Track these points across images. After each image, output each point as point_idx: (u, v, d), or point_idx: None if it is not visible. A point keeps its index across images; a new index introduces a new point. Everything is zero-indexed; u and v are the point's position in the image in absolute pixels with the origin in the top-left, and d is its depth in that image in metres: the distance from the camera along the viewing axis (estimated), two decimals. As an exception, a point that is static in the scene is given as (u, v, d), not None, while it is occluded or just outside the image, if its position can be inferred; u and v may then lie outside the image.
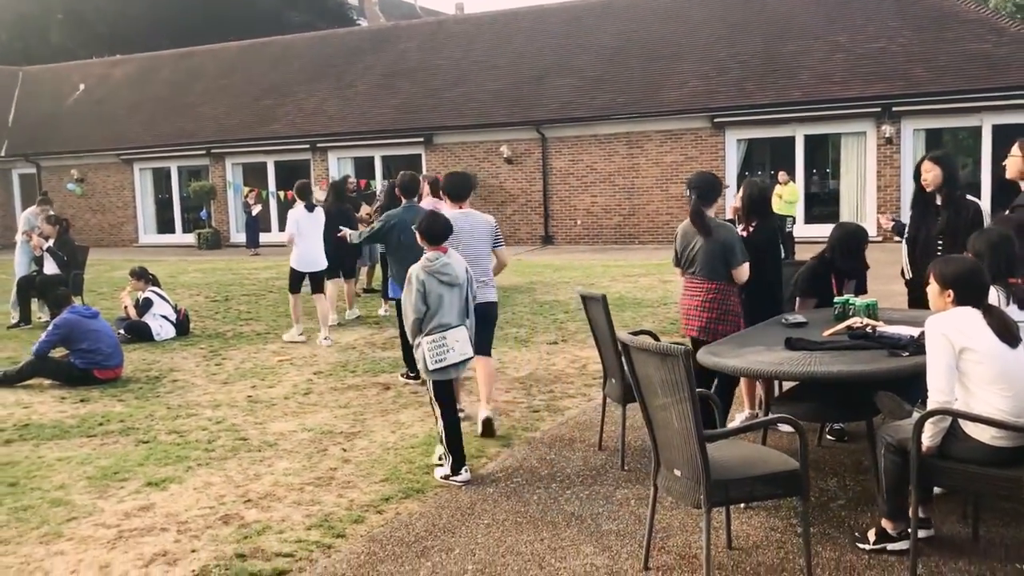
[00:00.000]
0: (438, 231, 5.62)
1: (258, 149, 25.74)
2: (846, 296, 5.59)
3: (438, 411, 5.58)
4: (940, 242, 5.87)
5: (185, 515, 5.14)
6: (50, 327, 8.77)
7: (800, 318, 5.48)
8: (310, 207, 10.41)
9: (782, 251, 6.44)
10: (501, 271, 6.97)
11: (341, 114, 25.05)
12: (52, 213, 13.27)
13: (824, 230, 17.39)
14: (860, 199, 19.73)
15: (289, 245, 10.32)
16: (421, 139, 23.53)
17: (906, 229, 6.30)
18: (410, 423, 6.88)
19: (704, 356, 4.72)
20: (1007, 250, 4.52)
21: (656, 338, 6.24)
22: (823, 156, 21.34)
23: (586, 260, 18.08)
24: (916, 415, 4.19)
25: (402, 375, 8.29)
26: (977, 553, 4.20)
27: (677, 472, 3.95)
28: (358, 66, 26.90)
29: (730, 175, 20.49)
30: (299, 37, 31.27)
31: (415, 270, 5.55)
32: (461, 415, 6.15)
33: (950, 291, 3.95)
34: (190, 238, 26.55)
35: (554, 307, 12.16)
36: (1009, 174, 5.81)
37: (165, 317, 11.02)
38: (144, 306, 10.93)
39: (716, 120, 20.45)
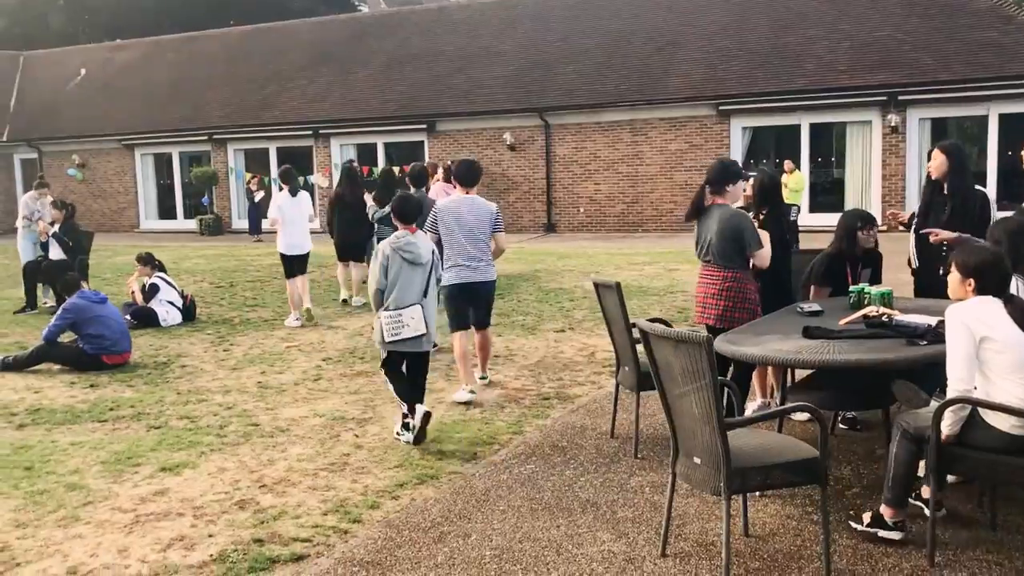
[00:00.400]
0: (407, 211, 6.13)
1: (260, 135, 25.68)
2: (861, 285, 5.60)
3: (387, 379, 6.18)
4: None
5: (200, 500, 5.15)
6: (59, 312, 8.78)
7: (815, 306, 5.48)
8: (294, 192, 10.67)
9: None
10: (499, 256, 7.39)
11: (344, 100, 24.98)
12: (54, 198, 13.25)
13: (828, 219, 17.48)
14: (865, 188, 19.70)
15: (274, 227, 10.70)
16: (424, 126, 23.48)
17: (914, 219, 6.32)
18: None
19: (722, 344, 4.71)
20: (1026, 239, 4.52)
21: (668, 326, 6.27)
22: (828, 145, 21.30)
23: (589, 248, 18.06)
24: (934, 403, 4.20)
25: None
26: (994, 541, 4.22)
27: (696, 460, 3.95)
28: (361, 52, 26.81)
29: (734, 163, 20.42)
30: (302, 22, 31.16)
31: (383, 244, 6.08)
32: (473, 395, 7.04)
33: (971, 280, 3.96)
34: (191, 224, 26.52)
35: (559, 295, 12.15)
36: None
37: (171, 303, 11.02)
38: (151, 292, 10.93)
39: (721, 108, 20.41)
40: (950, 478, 4.48)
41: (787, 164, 18.32)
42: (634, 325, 5.87)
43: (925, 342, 4.44)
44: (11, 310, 12.42)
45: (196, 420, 6.82)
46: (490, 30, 25.68)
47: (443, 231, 7.06)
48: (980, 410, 3.89)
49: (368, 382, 7.79)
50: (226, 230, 26.07)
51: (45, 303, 12.50)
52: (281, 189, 10.83)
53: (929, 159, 6.18)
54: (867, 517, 4.24)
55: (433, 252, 6.18)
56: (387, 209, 8.24)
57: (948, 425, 3.89)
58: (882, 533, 4.19)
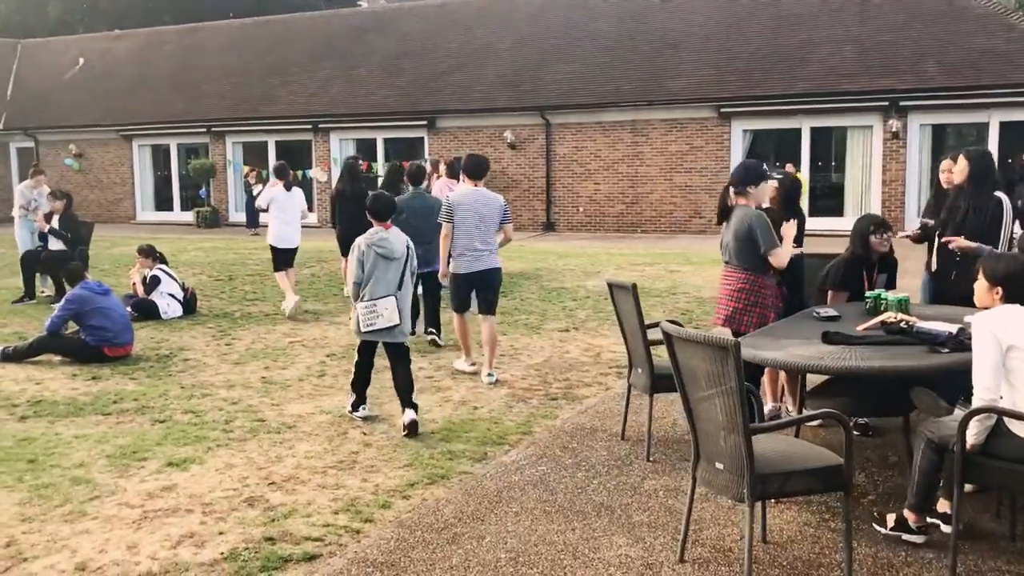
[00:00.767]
0: (379, 209, 6.42)
1: (259, 128, 25.57)
2: (878, 291, 5.56)
3: (356, 359, 6.53)
4: (961, 237, 5.87)
5: (209, 496, 5.09)
6: (62, 302, 8.70)
7: (832, 312, 5.44)
8: (288, 186, 11.06)
9: None
10: (506, 244, 7.85)
11: (344, 95, 24.89)
12: (51, 188, 13.15)
13: (827, 223, 17.48)
14: (865, 193, 19.69)
15: (258, 210, 11.19)
16: (424, 123, 23.39)
17: (925, 221, 6.31)
18: (428, 408, 6.82)
19: (742, 348, 4.66)
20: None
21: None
22: (828, 149, 21.28)
23: (589, 248, 18.02)
24: (958, 412, 4.17)
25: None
26: (1015, 552, 4.18)
27: (719, 465, 3.91)
28: (362, 47, 26.71)
29: (735, 166, 20.40)
30: (303, 16, 31.03)
31: (359, 239, 6.36)
32: (473, 367, 7.78)
33: (999, 288, 3.93)
34: (188, 216, 26.40)
35: (562, 294, 12.11)
36: None
37: (172, 295, 10.94)
38: (152, 284, 10.84)
39: (723, 110, 20.37)
40: (967, 487, 4.44)
41: (788, 167, 18.29)
42: (651, 326, 5.85)
43: (947, 350, 4.41)
44: (9, 300, 12.32)
45: (201, 415, 6.75)
46: (491, 28, 25.60)
47: (457, 221, 7.45)
48: (1006, 420, 3.86)
49: (374, 379, 7.68)
50: (223, 223, 25.95)
51: (43, 292, 12.40)
52: (275, 184, 11.19)
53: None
54: (891, 520, 4.21)
55: (408, 247, 6.42)
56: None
57: (974, 434, 3.86)
58: (906, 536, 4.18)
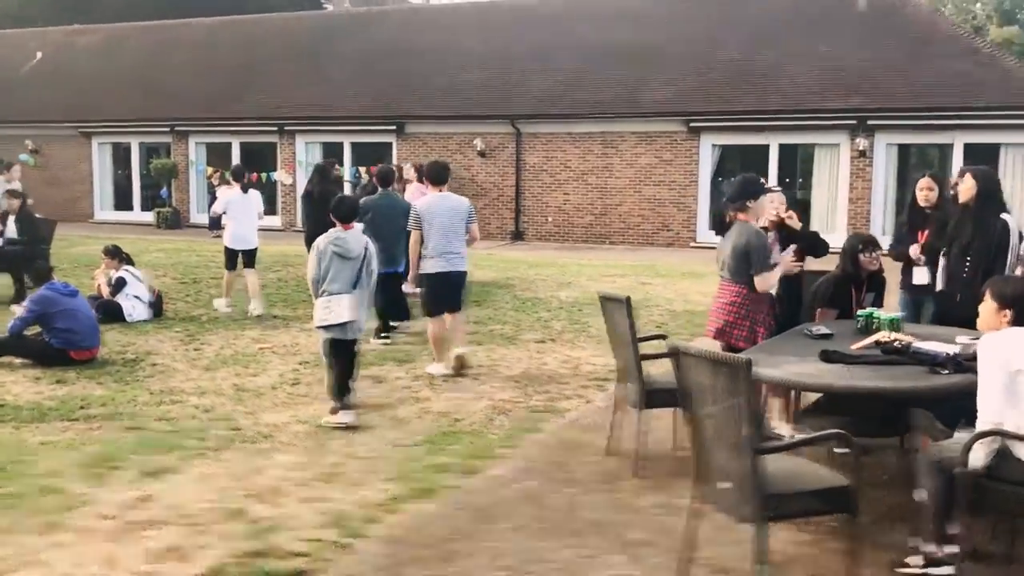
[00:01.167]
0: (342, 211, 6.73)
1: (224, 129, 25.16)
2: (869, 310, 5.55)
3: (325, 361, 6.73)
4: (968, 258, 5.87)
5: (189, 508, 4.91)
6: (26, 304, 8.42)
7: (824, 329, 5.41)
8: (244, 189, 11.33)
9: None
10: (472, 244, 8.27)
11: (311, 98, 24.58)
12: (10, 187, 12.81)
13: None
14: (831, 211, 19.88)
15: (214, 216, 11.38)
16: (393, 127, 23.20)
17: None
18: (409, 419, 6.70)
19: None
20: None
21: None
22: (795, 166, 21.50)
23: (559, 258, 17.96)
24: (959, 435, 4.14)
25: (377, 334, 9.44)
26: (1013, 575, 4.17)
27: (724, 485, 3.84)
28: (332, 50, 26.43)
29: (703, 180, 20.56)
30: (272, 17, 30.65)
31: (319, 239, 6.67)
32: (448, 371, 7.93)
33: (1008, 311, 3.91)
34: (148, 216, 25.86)
35: (536, 305, 12.02)
36: None
37: (138, 298, 10.67)
38: (117, 285, 10.56)
39: (692, 124, 20.46)
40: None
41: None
42: (643, 340, 5.79)
43: (947, 371, 4.39)
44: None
45: (174, 422, 6.55)
46: (464, 34, 25.48)
47: (425, 227, 7.86)
48: (1011, 443, 3.83)
49: (357, 389, 7.54)
50: (184, 224, 25.47)
51: None
52: (231, 185, 11.56)
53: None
54: (914, 559, 4.11)
55: (366, 247, 6.70)
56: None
57: (978, 458, 3.83)
58: (933, 571, 4.02)
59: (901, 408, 4.63)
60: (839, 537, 4.52)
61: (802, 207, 20.68)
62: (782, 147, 20.43)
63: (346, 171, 22.74)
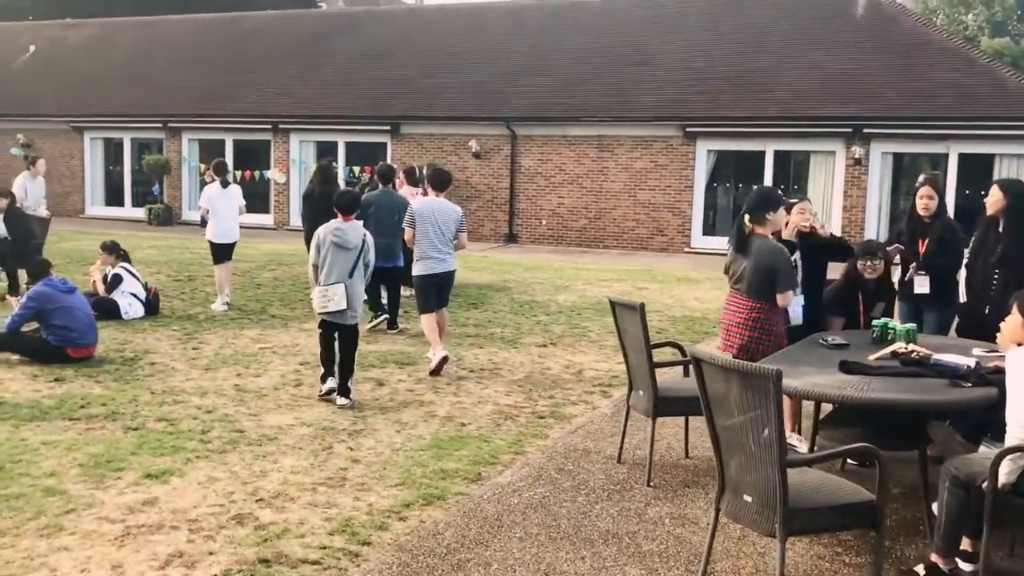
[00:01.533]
0: (343, 204, 7.13)
1: (217, 126, 24.98)
2: (884, 320, 5.50)
3: (319, 340, 7.24)
4: (997, 271, 5.81)
5: (194, 512, 4.82)
6: (24, 300, 8.30)
7: (840, 339, 5.37)
8: (225, 184, 11.45)
9: None
10: (459, 250, 8.61)
11: (306, 96, 24.45)
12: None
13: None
14: (825, 218, 19.86)
15: (203, 215, 11.51)
16: (388, 128, 23.09)
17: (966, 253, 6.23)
18: (414, 423, 6.62)
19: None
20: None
21: (682, 351, 6.12)
22: (790, 173, 21.50)
23: (554, 261, 17.90)
24: (984, 449, 4.10)
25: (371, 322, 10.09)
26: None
27: (747, 498, 3.78)
28: (327, 49, 26.31)
29: (698, 185, 20.54)
30: (268, 15, 30.48)
31: (320, 229, 7.07)
32: (445, 355, 8.15)
33: (1035, 325, 3.87)
34: (140, 212, 25.64)
35: (534, 308, 11.95)
36: None
37: (134, 295, 10.55)
38: (113, 282, 10.44)
39: (688, 129, 20.45)
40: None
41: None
42: (656, 346, 5.73)
43: (969, 384, 4.34)
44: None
45: (175, 423, 6.45)
46: (460, 35, 25.42)
47: (418, 228, 8.26)
48: (1036, 459, 3.79)
49: (354, 390, 7.47)
50: (176, 221, 25.29)
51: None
52: (213, 180, 11.64)
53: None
54: (921, 569, 4.09)
55: (364, 239, 7.09)
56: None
57: (1006, 473, 3.78)
58: None
59: (921, 420, 4.59)
60: (854, 551, 4.48)
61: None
62: (777, 154, 20.43)
63: (340, 171, 22.63)
